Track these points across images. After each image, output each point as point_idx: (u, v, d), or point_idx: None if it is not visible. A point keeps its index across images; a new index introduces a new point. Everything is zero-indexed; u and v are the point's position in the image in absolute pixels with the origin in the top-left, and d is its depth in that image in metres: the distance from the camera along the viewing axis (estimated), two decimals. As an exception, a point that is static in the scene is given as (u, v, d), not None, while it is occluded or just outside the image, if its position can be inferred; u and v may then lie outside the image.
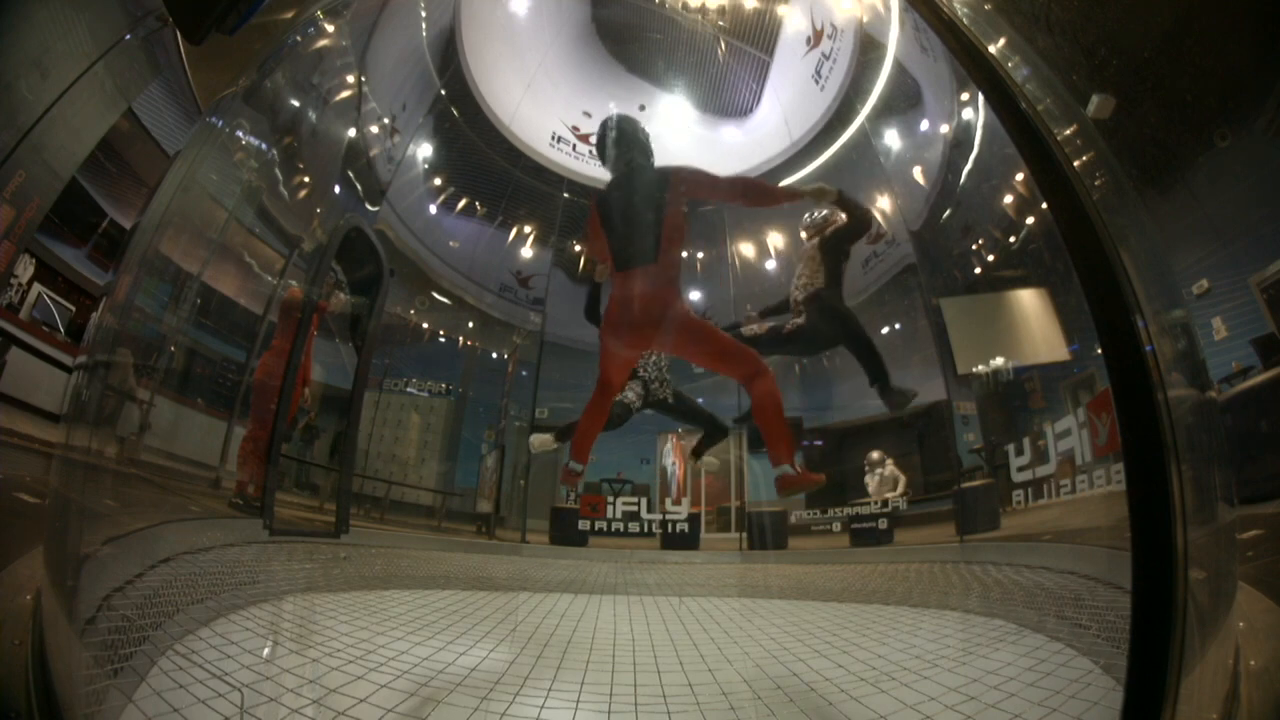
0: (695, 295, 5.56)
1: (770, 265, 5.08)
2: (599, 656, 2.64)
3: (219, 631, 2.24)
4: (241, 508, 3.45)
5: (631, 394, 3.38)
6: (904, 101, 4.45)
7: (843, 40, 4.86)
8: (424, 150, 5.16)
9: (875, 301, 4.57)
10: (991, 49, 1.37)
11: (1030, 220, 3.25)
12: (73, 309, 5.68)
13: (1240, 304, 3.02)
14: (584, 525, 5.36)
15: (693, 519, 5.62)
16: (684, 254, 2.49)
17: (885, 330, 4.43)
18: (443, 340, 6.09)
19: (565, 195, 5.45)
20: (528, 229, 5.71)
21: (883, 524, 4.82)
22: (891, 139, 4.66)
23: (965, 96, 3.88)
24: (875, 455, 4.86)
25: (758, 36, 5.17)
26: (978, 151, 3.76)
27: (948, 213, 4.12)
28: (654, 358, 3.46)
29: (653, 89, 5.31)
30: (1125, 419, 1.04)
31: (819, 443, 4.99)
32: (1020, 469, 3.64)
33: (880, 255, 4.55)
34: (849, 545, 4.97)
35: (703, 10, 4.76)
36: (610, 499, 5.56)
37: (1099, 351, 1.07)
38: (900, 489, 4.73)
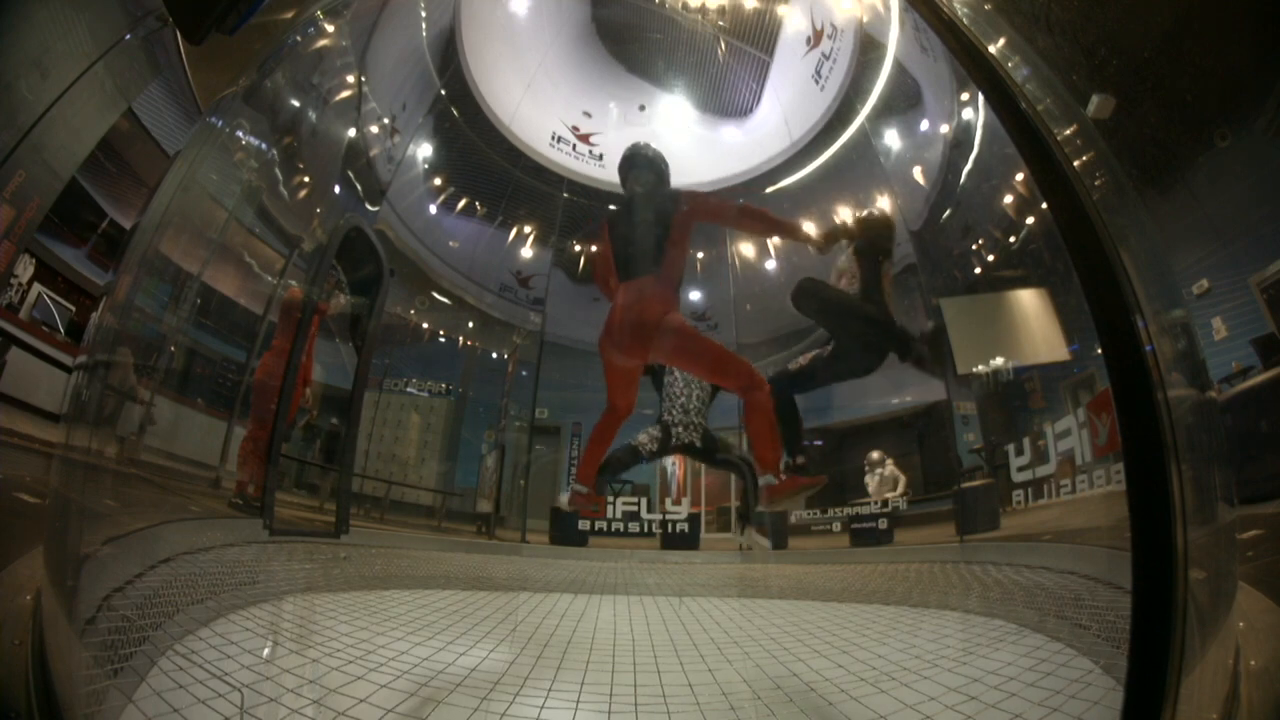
0: (695, 295, 5.56)
1: (770, 265, 5.08)
2: (599, 656, 2.63)
3: (219, 631, 2.24)
4: (241, 508, 3.45)
5: (645, 437, 3.25)
6: (904, 101, 4.45)
7: (843, 40, 4.86)
8: (424, 150, 5.16)
9: (875, 301, 4.56)
10: (991, 49, 1.37)
11: (1030, 220, 3.24)
12: (73, 309, 5.68)
13: (1240, 304, 3.02)
14: (584, 525, 5.36)
15: (693, 519, 5.62)
16: (684, 268, 2.48)
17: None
18: (443, 340, 6.09)
19: (565, 195, 5.45)
20: (528, 229, 5.71)
21: (883, 524, 4.81)
22: (891, 139, 4.66)
23: (965, 96, 3.88)
24: (875, 455, 4.85)
25: (758, 36, 5.17)
26: (978, 151, 3.76)
27: (948, 213, 4.12)
28: (681, 398, 3.33)
29: (653, 89, 5.32)
30: (1125, 419, 1.03)
31: (819, 442, 4.99)
32: (1020, 469, 3.64)
33: (880, 255, 4.55)
34: (849, 545, 4.97)
35: (703, 10, 4.77)
36: (610, 499, 5.56)
37: (1099, 351, 1.07)
38: (900, 489, 4.73)
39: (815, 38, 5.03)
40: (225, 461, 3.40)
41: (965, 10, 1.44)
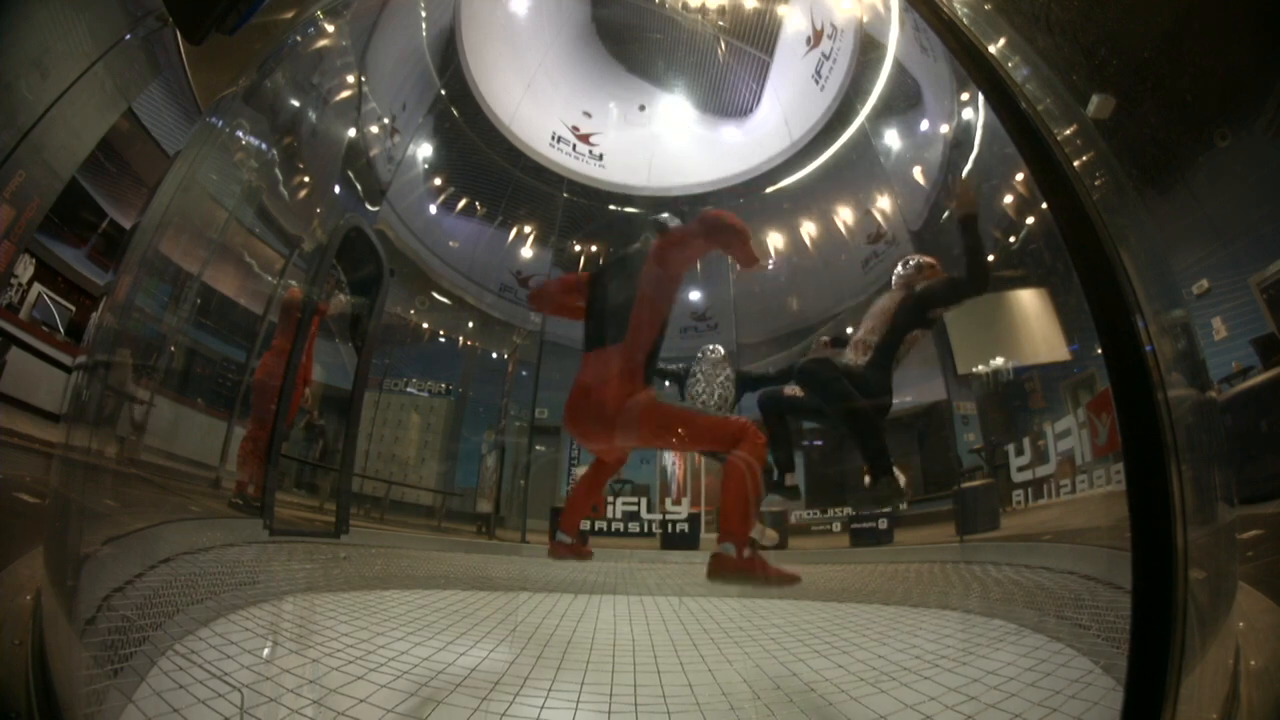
0: (695, 295, 5.57)
1: (770, 265, 5.08)
2: (599, 656, 2.64)
3: (219, 631, 2.24)
4: (241, 508, 3.45)
5: None
6: (904, 101, 4.45)
7: (843, 40, 4.87)
8: (424, 150, 5.16)
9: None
10: (991, 49, 1.37)
11: (1030, 220, 3.25)
12: (73, 309, 5.67)
13: (1240, 304, 3.02)
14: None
15: (692, 519, 5.63)
16: (660, 327, 2.16)
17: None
18: (443, 340, 6.10)
19: (565, 195, 5.46)
20: (528, 229, 5.71)
21: (883, 524, 4.82)
22: (891, 139, 4.66)
23: (965, 96, 3.89)
24: (875, 455, 4.84)
25: (758, 36, 5.18)
26: (978, 151, 3.76)
27: (948, 213, 4.12)
28: (703, 396, 3.10)
29: (653, 89, 5.32)
30: (1125, 419, 1.03)
31: (819, 443, 4.99)
32: (1020, 469, 3.64)
33: (880, 255, 4.55)
34: (849, 545, 4.98)
35: (703, 10, 4.77)
36: (610, 499, 5.56)
37: (1099, 351, 1.07)
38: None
39: (815, 38, 5.04)
40: (225, 461, 3.40)
41: (965, 10, 1.44)
